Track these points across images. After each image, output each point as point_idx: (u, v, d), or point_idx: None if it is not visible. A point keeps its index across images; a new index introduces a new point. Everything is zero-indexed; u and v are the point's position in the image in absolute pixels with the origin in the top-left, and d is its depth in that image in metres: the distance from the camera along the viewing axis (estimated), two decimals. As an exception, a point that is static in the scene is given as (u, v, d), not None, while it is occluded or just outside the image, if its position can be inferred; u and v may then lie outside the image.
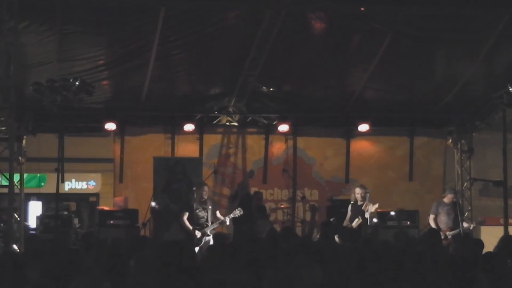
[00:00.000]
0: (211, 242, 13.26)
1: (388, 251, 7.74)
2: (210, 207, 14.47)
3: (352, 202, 14.92)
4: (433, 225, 14.28)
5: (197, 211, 14.43)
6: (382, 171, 18.09)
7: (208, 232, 14.18)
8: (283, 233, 10.70)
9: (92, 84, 13.71)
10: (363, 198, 14.63)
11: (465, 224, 14.43)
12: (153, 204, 15.79)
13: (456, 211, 14.40)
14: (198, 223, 14.33)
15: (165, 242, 8.89)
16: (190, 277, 6.64)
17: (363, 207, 14.50)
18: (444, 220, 14.49)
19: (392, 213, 15.99)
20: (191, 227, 14.21)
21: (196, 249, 13.40)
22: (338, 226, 14.17)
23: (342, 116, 17.40)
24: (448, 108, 17.14)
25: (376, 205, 14.49)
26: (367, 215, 14.39)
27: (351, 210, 14.74)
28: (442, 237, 13.81)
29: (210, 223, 14.37)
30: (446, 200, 14.67)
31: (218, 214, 14.72)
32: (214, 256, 7.76)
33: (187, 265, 7.31)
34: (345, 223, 14.64)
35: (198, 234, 14.12)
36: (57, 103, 13.03)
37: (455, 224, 14.38)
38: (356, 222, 14.36)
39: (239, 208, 14.66)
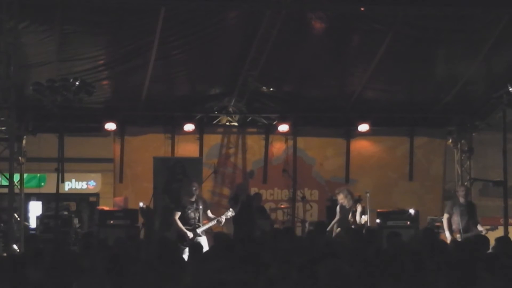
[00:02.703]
0: (204, 243, 13.10)
1: (389, 251, 7.75)
2: (200, 206, 14.27)
3: (339, 204, 14.71)
4: (445, 225, 13.74)
5: (189, 211, 14.20)
6: (382, 171, 18.08)
7: (200, 233, 14.04)
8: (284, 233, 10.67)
9: (92, 84, 13.72)
10: (350, 202, 14.41)
11: (479, 228, 13.92)
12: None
13: (471, 213, 14.00)
14: (190, 224, 14.18)
15: (165, 242, 8.89)
16: (190, 276, 6.65)
17: (352, 210, 14.34)
18: (456, 221, 13.88)
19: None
20: (183, 227, 14.06)
21: (187, 249, 13.21)
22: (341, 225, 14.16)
23: (342, 116, 17.39)
24: (448, 108, 17.14)
25: (360, 207, 14.30)
26: (361, 218, 14.25)
27: (340, 212, 14.59)
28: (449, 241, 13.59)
29: (201, 224, 14.22)
30: (461, 200, 14.12)
31: (209, 213, 14.48)
32: (215, 255, 7.77)
33: (188, 264, 7.31)
34: (336, 224, 14.46)
35: (190, 234, 14.01)
36: (57, 103, 13.03)
37: (467, 227, 13.80)
38: (362, 219, 14.25)
39: (230, 209, 14.56)
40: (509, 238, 9.28)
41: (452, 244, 12.69)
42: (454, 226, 13.87)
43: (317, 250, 8.13)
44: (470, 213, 13.93)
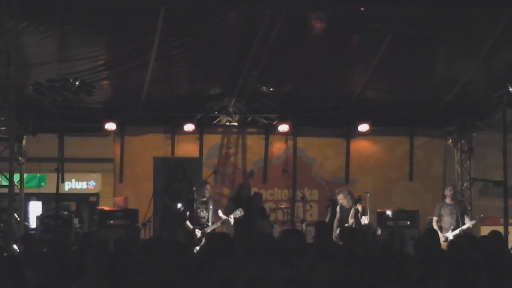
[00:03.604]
0: None
1: (386, 252, 7.74)
2: (211, 206, 14.44)
3: (339, 204, 14.76)
4: (435, 227, 14.12)
5: (199, 210, 14.39)
6: (382, 171, 18.08)
7: (208, 232, 14.17)
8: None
9: (92, 84, 13.74)
10: (349, 202, 14.46)
11: (466, 222, 14.32)
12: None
13: (460, 211, 14.27)
14: (199, 223, 14.32)
15: (168, 242, 8.88)
16: (193, 277, 6.64)
17: (351, 211, 14.38)
18: (447, 221, 14.33)
19: (389, 212, 15.96)
20: (191, 227, 14.22)
21: (197, 248, 13.36)
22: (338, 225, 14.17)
23: (342, 116, 17.40)
24: (448, 108, 17.14)
25: (360, 207, 14.36)
26: (361, 218, 14.29)
27: (340, 212, 14.64)
28: (443, 240, 13.76)
29: (210, 223, 14.35)
30: (447, 200, 14.58)
31: (220, 213, 14.68)
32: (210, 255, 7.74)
33: (190, 265, 7.30)
34: (335, 224, 14.52)
35: (198, 234, 14.12)
36: (57, 103, 13.05)
37: (458, 224, 14.27)
38: (362, 219, 14.27)
39: (239, 209, 14.64)
40: (496, 235, 9.31)
41: (450, 244, 12.80)
42: (445, 226, 14.31)
43: (318, 251, 8.12)
44: (459, 211, 14.22)
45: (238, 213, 14.50)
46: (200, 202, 14.44)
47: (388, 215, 15.91)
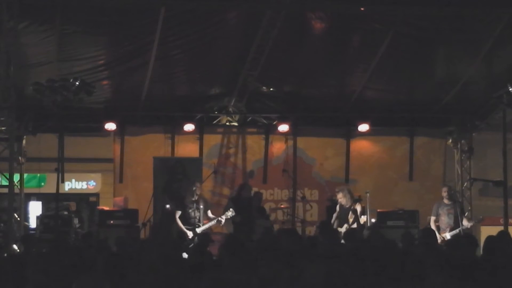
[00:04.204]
0: None
1: (389, 251, 7.74)
2: (201, 206, 14.38)
3: (338, 203, 14.83)
4: (433, 227, 14.18)
5: (190, 210, 14.34)
6: (382, 171, 18.08)
7: (199, 233, 14.12)
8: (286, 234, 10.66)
9: (92, 84, 13.75)
10: (349, 201, 14.52)
11: (464, 222, 14.39)
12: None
13: (457, 211, 14.39)
14: (190, 223, 14.28)
15: (166, 242, 8.90)
16: (190, 276, 6.65)
17: (351, 209, 14.42)
18: (445, 221, 14.47)
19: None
20: (183, 227, 14.17)
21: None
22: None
23: (342, 116, 17.39)
24: (448, 108, 17.14)
25: (359, 207, 14.42)
26: (361, 218, 14.34)
27: (339, 211, 14.69)
28: (440, 240, 13.80)
29: (201, 223, 14.31)
30: (445, 200, 14.66)
31: (209, 213, 14.62)
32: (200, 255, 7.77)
33: (187, 264, 7.31)
34: (335, 223, 14.57)
35: (190, 234, 14.10)
36: (57, 103, 13.06)
37: (456, 224, 14.36)
38: (362, 219, 14.31)
39: (231, 209, 14.62)
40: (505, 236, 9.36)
41: (449, 243, 12.84)
42: (442, 226, 14.46)
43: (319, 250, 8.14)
44: (456, 211, 14.30)
45: (230, 213, 14.47)
46: (191, 201, 14.38)
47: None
